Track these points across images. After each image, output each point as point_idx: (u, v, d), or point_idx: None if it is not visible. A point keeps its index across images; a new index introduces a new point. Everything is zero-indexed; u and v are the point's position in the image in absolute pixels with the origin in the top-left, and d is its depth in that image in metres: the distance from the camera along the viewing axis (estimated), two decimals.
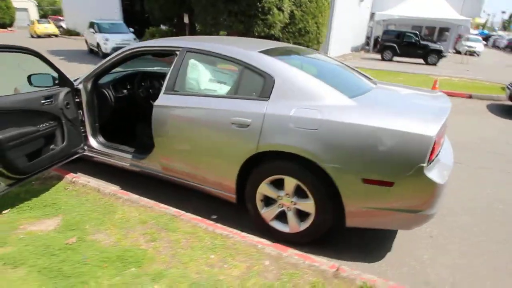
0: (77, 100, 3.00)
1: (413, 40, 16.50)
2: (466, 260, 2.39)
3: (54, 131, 2.74)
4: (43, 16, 42.35)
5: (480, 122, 6.26)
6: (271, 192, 2.36)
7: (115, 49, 13.35)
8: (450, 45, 23.28)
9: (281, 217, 2.41)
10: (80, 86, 3.04)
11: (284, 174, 2.25)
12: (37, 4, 46.34)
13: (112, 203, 2.72)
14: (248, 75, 2.38)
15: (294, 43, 12.09)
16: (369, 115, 2.02)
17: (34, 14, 42.83)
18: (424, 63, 16.05)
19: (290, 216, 2.35)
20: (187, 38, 3.09)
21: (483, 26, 66.89)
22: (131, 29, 15.10)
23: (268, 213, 2.43)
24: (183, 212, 2.58)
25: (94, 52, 14.44)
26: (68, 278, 1.87)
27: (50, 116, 2.68)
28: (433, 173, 1.97)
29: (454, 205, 3.09)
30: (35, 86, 2.67)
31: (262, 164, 2.32)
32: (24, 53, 2.51)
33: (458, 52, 21.36)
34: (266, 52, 2.51)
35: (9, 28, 31.13)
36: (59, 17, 33.98)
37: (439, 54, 15.82)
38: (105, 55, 13.38)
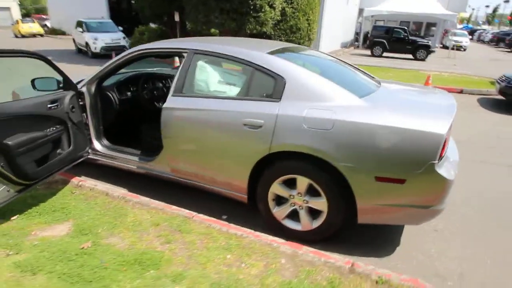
0: (80, 103, 2.97)
1: (402, 36, 16.73)
2: (471, 251, 2.48)
3: (61, 135, 2.72)
4: (26, 15, 41.22)
5: (472, 116, 6.43)
6: (283, 192, 2.40)
7: (105, 48, 13.17)
8: (437, 40, 23.67)
9: (293, 215, 2.46)
10: (84, 89, 3.02)
11: (296, 173, 2.29)
12: (19, 3, 45.07)
13: (122, 206, 2.71)
14: (258, 77, 2.40)
15: (286, 41, 12.13)
16: (381, 115, 2.07)
17: (16, 13, 41.67)
18: (413, 58, 16.30)
19: (302, 214, 2.40)
20: (193, 39, 3.09)
21: (468, 20, 68.17)
22: (120, 28, 14.86)
23: (280, 212, 2.47)
24: (195, 213, 2.60)
25: (83, 52, 14.19)
26: (89, 283, 1.88)
27: (56, 120, 2.65)
28: (443, 170, 2.04)
29: (454, 198, 3.18)
30: (39, 90, 2.63)
31: (274, 164, 2.35)
32: (29, 57, 2.48)
33: (445, 47, 21.74)
34: (275, 53, 2.54)
35: None
36: (43, 16, 33.21)
37: (428, 49, 16.10)
38: (95, 55, 13.17)
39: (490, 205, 3.13)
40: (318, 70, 2.83)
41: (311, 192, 2.31)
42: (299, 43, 12.19)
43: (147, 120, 3.43)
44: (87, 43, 13.42)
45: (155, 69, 4.29)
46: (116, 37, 13.82)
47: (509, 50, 25.80)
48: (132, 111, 3.59)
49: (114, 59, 2.97)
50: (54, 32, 24.36)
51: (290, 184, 2.37)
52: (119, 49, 13.40)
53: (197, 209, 2.71)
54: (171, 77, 4.06)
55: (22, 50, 2.40)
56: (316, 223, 2.37)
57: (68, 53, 14.50)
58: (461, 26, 38.79)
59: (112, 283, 1.88)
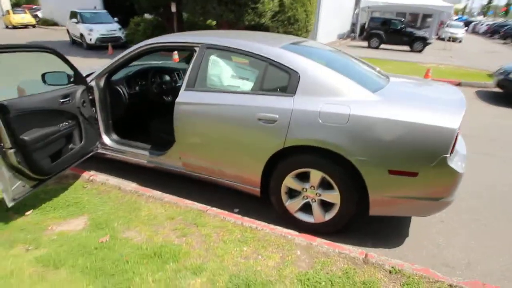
0: (90, 97, 2.97)
1: (399, 27, 16.73)
2: (477, 241, 2.57)
3: (73, 130, 2.72)
4: (16, 4, 40.24)
5: (471, 109, 6.48)
6: (296, 185, 2.44)
7: (100, 40, 12.99)
8: (433, 32, 23.69)
9: (305, 208, 2.51)
10: (93, 83, 3.01)
11: (310, 167, 2.33)
12: None
13: (136, 200, 2.74)
14: (272, 71, 2.42)
15: (284, 32, 12.06)
16: (395, 110, 2.12)
17: (6, 3, 40.64)
18: (410, 50, 16.34)
19: (315, 207, 2.45)
20: (204, 33, 3.08)
21: (462, 11, 68.23)
22: (115, 19, 14.63)
23: (292, 205, 2.52)
24: (208, 207, 2.64)
25: (78, 43, 13.99)
26: (112, 276, 1.92)
27: (68, 115, 2.65)
28: (454, 163, 2.10)
29: (460, 190, 3.25)
30: (49, 84, 2.63)
31: (287, 158, 2.39)
32: (43, 51, 2.47)
33: (441, 39, 21.78)
34: (288, 47, 2.55)
35: None
36: (33, 6, 32.47)
37: (424, 41, 16.13)
38: (90, 46, 12.98)
39: (498, 197, 3.22)
40: (330, 64, 2.85)
41: (324, 185, 2.36)
42: (297, 35, 12.13)
43: (156, 114, 3.43)
44: (82, 34, 13.22)
45: (160, 62, 4.27)
46: (111, 28, 13.62)
47: (504, 41, 25.97)
48: (141, 105, 3.59)
49: (124, 53, 2.96)
50: (46, 22, 23.88)
51: (303, 177, 2.41)
52: (115, 40, 13.24)
53: (208, 202, 2.75)
54: (178, 70, 4.05)
55: (37, 44, 2.39)
56: (329, 216, 2.42)
57: (62, 44, 14.26)
58: (456, 17, 38.77)
59: (134, 276, 1.93)
